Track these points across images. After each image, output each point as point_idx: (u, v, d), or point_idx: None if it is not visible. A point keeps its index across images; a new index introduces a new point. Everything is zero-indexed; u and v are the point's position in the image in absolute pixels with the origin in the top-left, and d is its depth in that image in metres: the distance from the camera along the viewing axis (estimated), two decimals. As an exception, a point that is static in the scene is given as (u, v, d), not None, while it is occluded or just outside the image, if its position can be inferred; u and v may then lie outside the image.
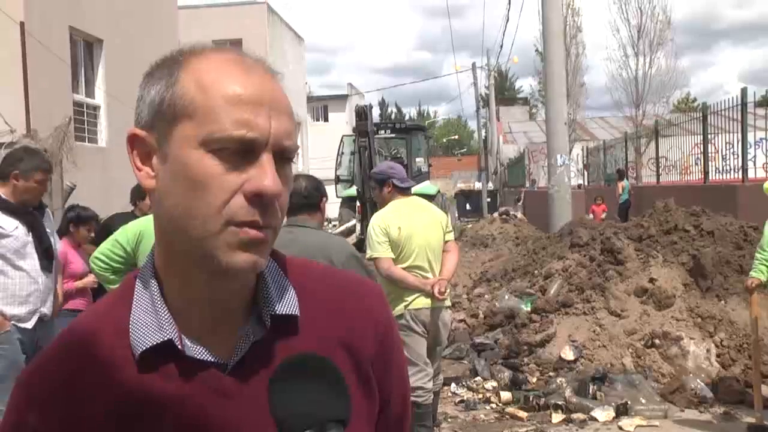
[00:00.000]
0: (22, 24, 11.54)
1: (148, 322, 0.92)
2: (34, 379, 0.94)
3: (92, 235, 5.94)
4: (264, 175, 0.86)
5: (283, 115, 0.90)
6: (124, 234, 3.98)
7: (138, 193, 6.31)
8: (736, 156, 11.94)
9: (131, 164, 0.94)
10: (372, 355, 1.01)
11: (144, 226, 3.98)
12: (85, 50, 14.20)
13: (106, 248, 3.98)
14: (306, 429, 0.80)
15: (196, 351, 0.92)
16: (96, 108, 14.46)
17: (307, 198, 3.65)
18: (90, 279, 5.67)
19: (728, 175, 12.39)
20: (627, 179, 18.08)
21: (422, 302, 4.97)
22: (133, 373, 0.91)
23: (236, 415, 0.91)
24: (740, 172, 11.45)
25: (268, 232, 0.89)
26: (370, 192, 5.74)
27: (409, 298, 4.92)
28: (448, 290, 5.12)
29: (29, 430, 0.92)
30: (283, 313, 0.95)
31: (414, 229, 4.92)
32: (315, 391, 0.83)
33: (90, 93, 14.34)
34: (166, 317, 0.92)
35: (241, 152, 0.87)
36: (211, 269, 0.88)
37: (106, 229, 5.83)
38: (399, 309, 4.85)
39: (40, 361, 0.96)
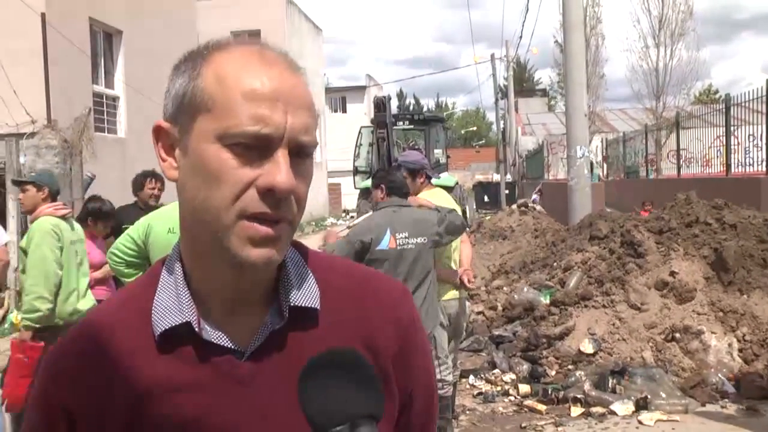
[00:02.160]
0: (42, 15, 11.61)
1: (170, 305, 0.94)
2: (58, 357, 0.97)
3: (107, 231, 6.01)
4: (277, 171, 0.87)
5: (301, 111, 0.89)
6: (135, 228, 4.11)
7: (136, 185, 6.68)
8: (759, 148, 11.77)
9: (156, 156, 0.96)
10: (393, 353, 1.00)
11: (152, 218, 4.10)
12: (104, 41, 14.27)
13: (121, 243, 4.14)
14: (338, 425, 0.78)
15: (214, 336, 0.94)
16: (115, 99, 14.54)
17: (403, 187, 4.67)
18: (108, 268, 5.73)
19: (751, 167, 12.23)
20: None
21: (451, 294, 5.07)
22: (151, 355, 0.93)
23: (249, 402, 0.92)
24: (764, 165, 11.29)
25: (282, 227, 0.90)
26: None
27: (440, 291, 4.93)
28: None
29: (55, 403, 0.95)
30: (303, 305, 0.96)
31: None
32: (347, 386, 0.81)
33: (109, 84, 14.41)
34: (186, 300, 0.94)
35: (256, 147, 0.87)
36: (228, 261, 0.90)
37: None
38: None
39: (65, 341, 0.99)
